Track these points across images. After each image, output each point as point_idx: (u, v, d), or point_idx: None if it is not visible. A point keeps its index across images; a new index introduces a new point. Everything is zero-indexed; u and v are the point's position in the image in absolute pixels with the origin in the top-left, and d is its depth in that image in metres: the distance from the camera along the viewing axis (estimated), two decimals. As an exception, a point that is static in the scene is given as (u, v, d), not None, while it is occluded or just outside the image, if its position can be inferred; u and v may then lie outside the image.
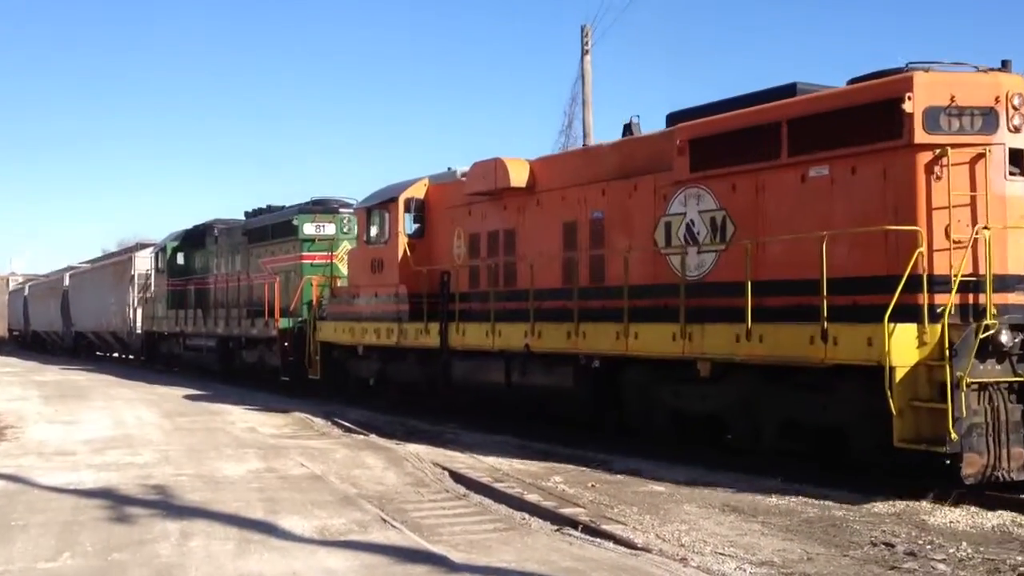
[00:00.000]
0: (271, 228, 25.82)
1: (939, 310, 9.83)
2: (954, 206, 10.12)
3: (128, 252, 40.64)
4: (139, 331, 36.78)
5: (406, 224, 18.56)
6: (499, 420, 16.21)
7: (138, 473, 11.76)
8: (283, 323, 23.29)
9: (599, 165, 14.50)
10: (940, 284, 9.99)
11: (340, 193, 27.24)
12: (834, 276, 10.41)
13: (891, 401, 9.49)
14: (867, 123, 10.54)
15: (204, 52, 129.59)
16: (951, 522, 9.06)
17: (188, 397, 22.47)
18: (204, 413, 18.92)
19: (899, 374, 9.59)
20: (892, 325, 9.55)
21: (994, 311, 9.89)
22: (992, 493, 9.80)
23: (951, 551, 7.98)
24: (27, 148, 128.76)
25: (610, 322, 13.38)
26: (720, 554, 7.93)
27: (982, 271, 10.06)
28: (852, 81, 11.31)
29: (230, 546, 8.10)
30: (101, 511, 9.48)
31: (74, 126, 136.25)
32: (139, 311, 36.81)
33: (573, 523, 8.94)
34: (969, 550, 8.01)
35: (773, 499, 10.20)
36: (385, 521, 9.00)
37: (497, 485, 10.94)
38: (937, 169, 10.19)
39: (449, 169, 19.15)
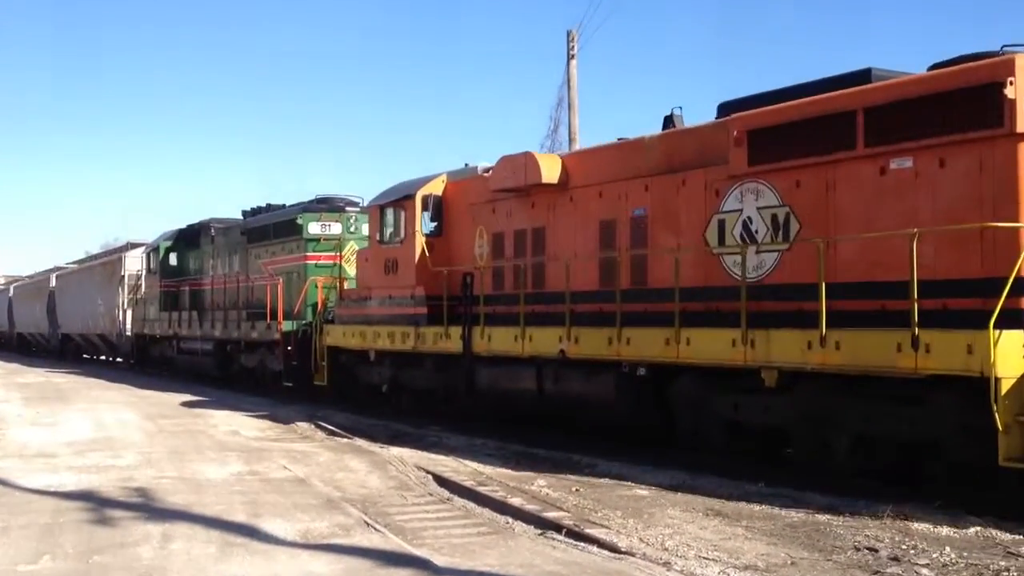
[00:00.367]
0: (273, 227, 24.75)
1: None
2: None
3: (118, 252, 39.40)
4: (129, 333, 35.63)
5: (423, 223, 17.56)
6: (528, 430, 15.23)
7: (120, 475, 11.69)
8: (287, 326, 22.22)
9: (641, 159, 13.54)
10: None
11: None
12: (921, 278, 9.48)
13: (996, 416, 8.58)
14: (960, 111, 9.61)
15: (194, 53, 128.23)
16: (935, 527, 8.89)
17: (176, 401, 21.98)
18: (187, 416, 18.74)
19: (1005, 386, 8.69)
20: (997, 332, 8.64)
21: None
22: (976, 497, 9.49)
23: (935, 556, 7.92)
24: (3, 149, 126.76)
25: (657, 327, 12.44)
26: (704, 558, 7.90)
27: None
28: (935, 67, 10.40)
29: (212, 549, 8.06)
30: (82, 513, 9.42)
31: (54, 127, 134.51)
32: (129, 313, 35.67)
33: (557, 527, 8.88)
34: (953, 555, 7.93)
35: (757, 503, 10.11)
36: (368, 524, 8.95)
37: (481, 489, 10.89)
38: (1043, 160, 9.28)
39: (467, 165, 18.20)
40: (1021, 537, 8.46)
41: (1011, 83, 9.15)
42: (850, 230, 10.68)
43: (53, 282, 46.02)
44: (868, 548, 8.21)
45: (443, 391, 17.07)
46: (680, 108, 13.84)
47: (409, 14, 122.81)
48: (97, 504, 9.86)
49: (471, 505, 10.29)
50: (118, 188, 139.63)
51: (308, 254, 23.11)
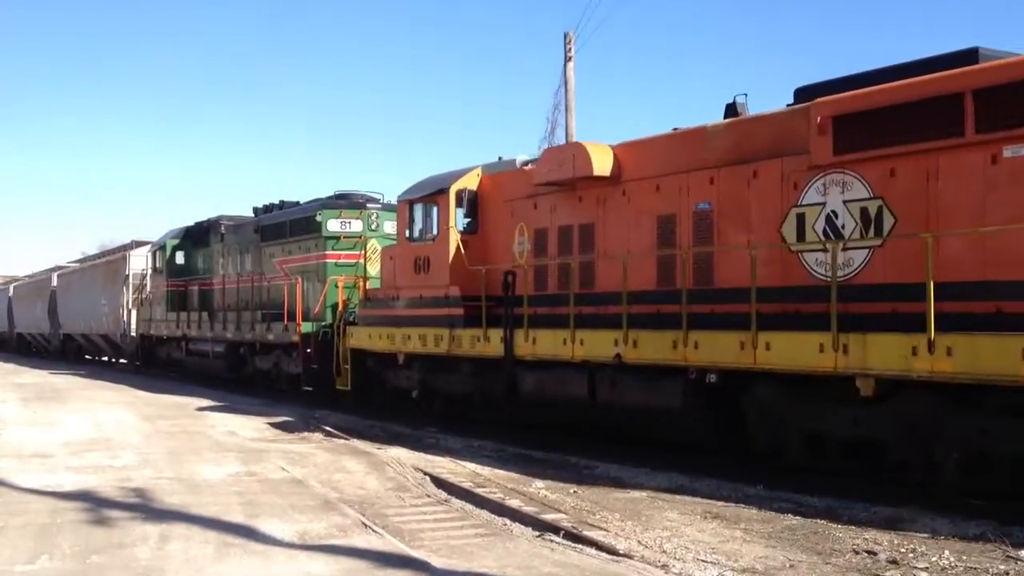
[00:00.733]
0: (289, 224, 23.70)
1: None
2: None
3: (122, 250, 38.35)
4: (133, 334, 34.58)
5: (457, 219, 16.57)
6: (581, 441, 14.24)
7: (117, 476, 11.63)
8: (306, 327, 21.19)
9: (705, 150, 12.57)
10: None
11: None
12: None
13: None
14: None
15: (185, 55, 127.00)
16: (934, 530, 8.82)
17: (175, 402, 21.76)
18: (185, 417, 18.61)
19: None
20: None
21: None
22: (975, 501, 9.34)
23: (933, 559, 7.90)
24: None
25: (726, 330, 11.48)
26: (702, 561, 7.88)
27: None
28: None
29: (209, 550, 8.04)
30: (80, 513, 9.39)
31: (47, 128, 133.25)
32: (134, 313, 34.62)
33: (555, 529, 8.85)
34: (952, 558, 7.90)
35: (755, 506, 10.08)
36: (366, 526, 8.96)
37: (478, 490, 10.84)
38: None
39: (501, 159, 17.23)
40: (1021, 540, 8.32)
41: None
42: (954, 224, 9.72)
43: (55, 281, 44.92)
44: (867, 551, 8.16)
45: (480, 397, 16.08)
46: (745, 95, 12.89)
47: (409, 14, 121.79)
48: (95, 504, 9.80)
49: (469, 506, 10.25)
50: (114, 189, 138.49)
51: (327, 252, 22.08)
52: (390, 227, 22.17)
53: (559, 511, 9.74)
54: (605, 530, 8.88)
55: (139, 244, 37.49)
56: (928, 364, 9.25)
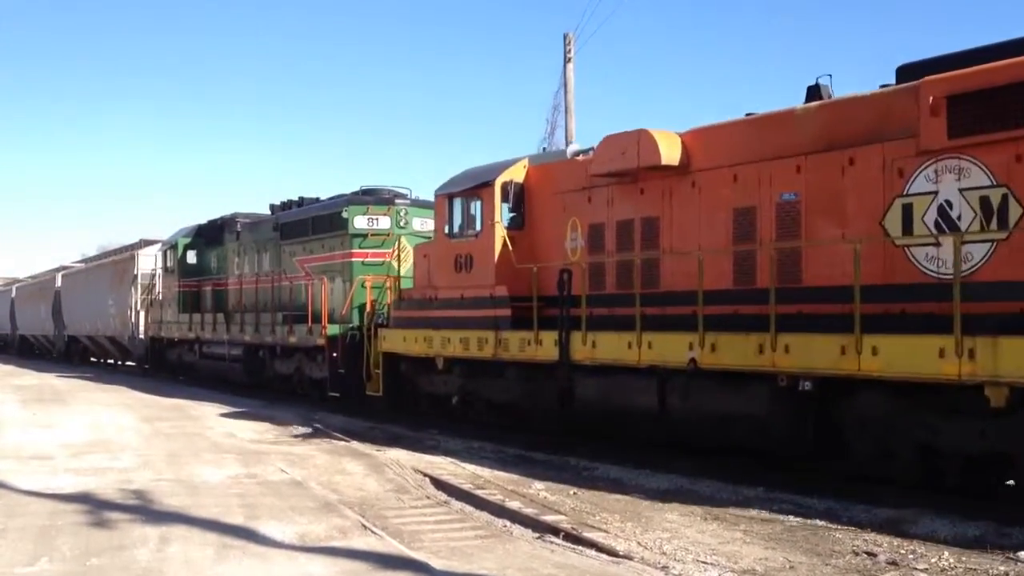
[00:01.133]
0: (312, 222, 22.57)
1: None
2: None
3: (130, 249, 37.23)
4: (142, 336, 33.48)
5: (502, 214, 15.48)
6: (646, 451, 13.16)
7: (117, 478, 11.57)
8: (332, 330, 20.08)
9: (790, 135, 11.51)
10: None
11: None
12: None
13: None
14: None
15: (183, 55, 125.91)
16: (933, 531, 8.77)
17: (175, 404, 21.56)
18: (185, 419, 18.53)
19: None
20: None
21: None
22: (974, 502, 9.25)
23: (933, 560, 7.87)
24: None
25: (819, 332, 10.41)
26: (702, 562, 7.86)
27: None
28: None
29: (209, 552, 8.01)
30: (79, 516, 9.35)
31: (46, 130, 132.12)
32: (142, 314, 33.52)
33: (554, 530, 8.84)
34: (951, 559, 7.87)
35: (755, 508, 10.07)
36: (366, 527, 8.94)
37: (478, 492, 10.81)
38: None
39: (545, 149, 16.26)
40: (1020, 542, 8.24)
41: None
42: (1097, 214, 8.65)
43: (59, 282, 43.77)
44: (867, 552, 8.15)
45: (528, 404, 15.00)
46: (829, 76, 11.83)
47: (408, 14, 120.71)
48: (94, 506, 9.78)
49: (469, 508, 10.25)
50: (113, 190, 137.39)
51: (354, 251, 20.96)
52: (419, 224, 21.12)
53: (559, 513, 9.72)
54: (605, 531, 8.86)
55: (148, 243, 36.38)
56: (1077, 371, 8.19)
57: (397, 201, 21.16)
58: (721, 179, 12.31)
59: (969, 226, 9.61)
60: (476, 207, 15.87)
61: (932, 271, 9.88)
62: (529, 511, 9.69)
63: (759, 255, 11.71)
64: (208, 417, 18.77)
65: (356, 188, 21.72)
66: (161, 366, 31.61)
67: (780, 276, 11.22)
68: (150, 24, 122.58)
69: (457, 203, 16.27)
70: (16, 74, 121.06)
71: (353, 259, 20.92)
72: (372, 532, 8.77)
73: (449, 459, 13.38)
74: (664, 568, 7.63)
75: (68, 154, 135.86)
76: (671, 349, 12.08)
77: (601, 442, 13.94)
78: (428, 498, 10.71)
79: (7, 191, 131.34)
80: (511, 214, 15.59)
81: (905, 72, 10.54)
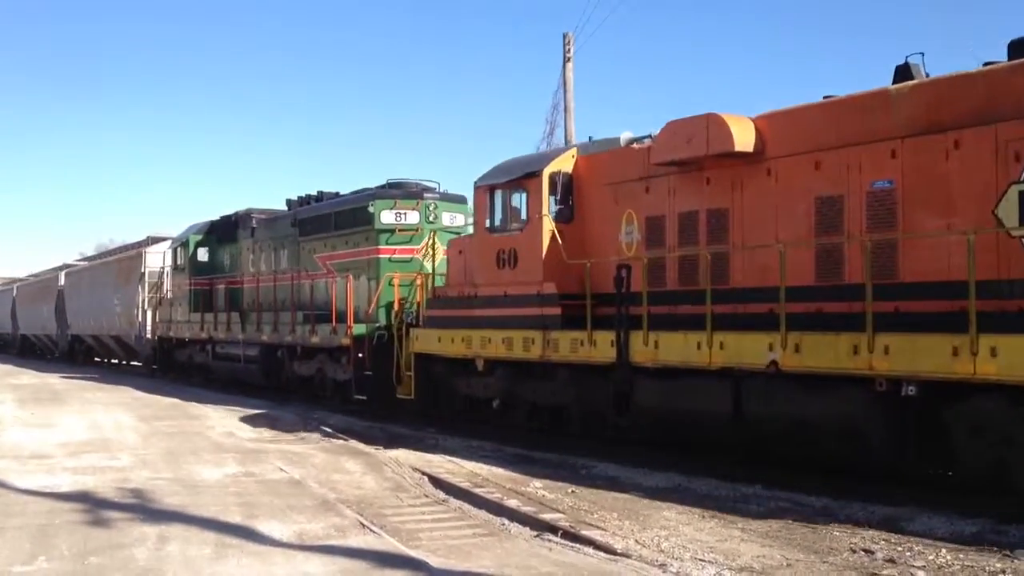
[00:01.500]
0: (335, 217, 21.59)
1: None
2: None
3: (137, 247, 36.26)
4: (149, 335, 32.48)
5: (550, 206, 14.54)
6: (715, 458, 12.23)
7: (115, 477, 11.58)
8: (358, 330, 19.11)
9: (881, 117, 10.59)
10: None
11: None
12: None
13: None
14: None
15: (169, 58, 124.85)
16: (931, 529, 8.78)
17: (174, 403, 21.39)
18: (184, 417, 18.47)
19: None
20: None
21: None
22: (971, 500, 9.22)
23: (930, 558, 7.85)
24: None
25: (921, 332, 9.48)
26: (699, 560, 7.84)
27: None
28: None
29: (208, 550, 8.00)
30: (78, 515, 9.35)
31: (42, 132, 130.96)
32: (150, 313, 32.55)
33: (553, 528, 8.84)
34: (948, 557, 7.85)
35: (753, 505, 10.10)
36: (364, 526, 8.92)
37: (477, 490, 10.80)
38: None
39: (591, 139, 15.26)
40: (1017, 539, 8.22)
41: None
42: None
43: (62, 280, 42.77)
44: (864, 550, 8.14)
45: (579, 408, 14.04)
46: (921, 55, 10.91)
47: (403, 15, 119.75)
48: (92, 505, 9.76)
49: (467, 507, 10.25)
50: (105, 190, 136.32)
51: (381, 247, 19.95)
52: (448, 219, 20.20)
53: (557, 511, 9.71)
54: (603, 529, 8.88)
55: (155, 240, 35.45)
56: None
57: (426, 195, 20.19)
58: (801, 166, 11.39)
59: (1103, 215, 8.69)
60: (521, 199, 14.92)
61: (1056, 265, 8.97)
62: (527, 509, 9.69)
63: (847, 248, 10.78)
64: (207, 416, 18.64)
65: (382, 182, 20.72)
66: (169, 367, 30.59)
67: (876, 271, 10.26)
68: (150, 24, 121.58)
69: (499, 195, 15.31)
70: (14, 71, 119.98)
71: (380, 256, 19.93)
72: (370, 530, 8.75)
73: (448, 458, 13.36)
74: (662, 566, 7.62)
75: (65, 154, 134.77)
76: (748, 350, 11.14)
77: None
78: (426, 496, 10.71)
79: (2, 191, 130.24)
80: (558, 207, 14.65)
81: (1018, 47, 9.60)
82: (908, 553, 8.01)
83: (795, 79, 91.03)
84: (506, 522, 9.41)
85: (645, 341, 12.45)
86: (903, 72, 10.93)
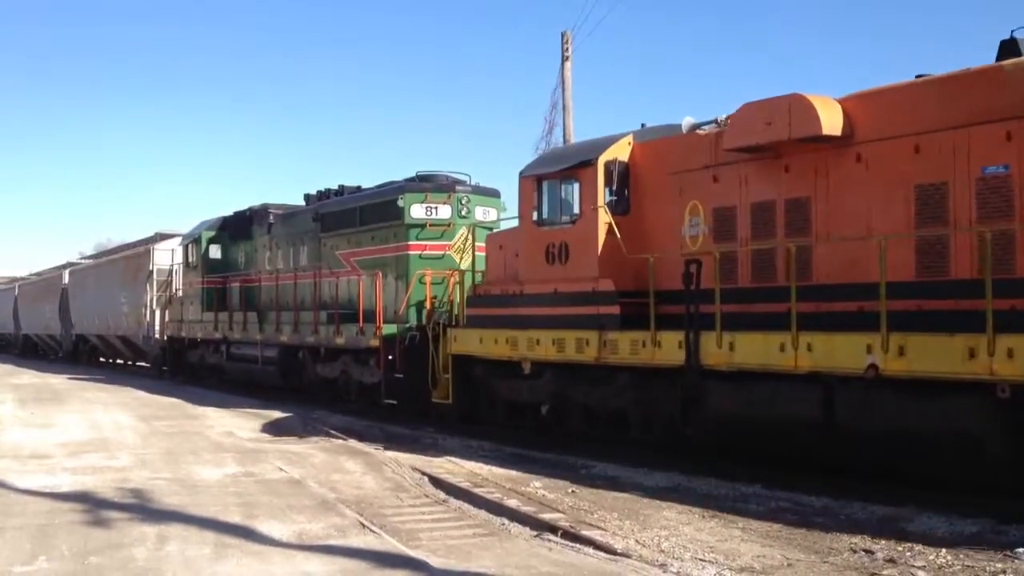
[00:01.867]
0: (360, 211, 20.55)
1: None
2: None
3: (145, 244, 35.26)
4: (158, 335, 31.49)
5: (605, 197, 13.56)
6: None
7: (115, 476, 11.56)
8: (388, 330, 18.12)
9: (993, 96, 9.62)
10: None
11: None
12: None
13: None
14: None
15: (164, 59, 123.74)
16: (931, 529, 8.78)
17: (174, 403, 21.39)
18: (183, 417, 18.45)
19: None
20: None
21: None
22: (971, 500, 9.17)
23: (931, 558, 7.83)
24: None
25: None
26: (700, 560, 7.83)
27: None
28: None
29: (207, 550, 8.00)
30: (77, 515, 9.33)
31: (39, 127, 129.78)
32: (158, 313, 31.57)
33: (553, 528, 8.83)
34: (949, 557, 7.83)
35: (753, 505, 10.12)
36: (364, 526, 8.92)
37: (476, 490, 10.78)
38: None
39: (644, 126, 14.26)
40: (1017, 539, 8.17)
41: None
42: None
43: (66, 279, 41.72)
44: (864, 550, 8.13)
45: (640, 415, 13.06)
46: (1024, 28, 9.93)
47: (401, 15, 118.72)
48: (92, 505, 9.76)
49: (467, 506, 10.23)
50: (103, 191, 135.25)
51: (410, 243, 18.92)
52: (481, 213, 19.20)
53: (557, 511, 9.70)
54: (603, 529, 8.88)
55: (164, 237, 34.53)
56: None
57: (458, 188, 19.16)
58: (897, 151, 10.42)
59: None
60: (572, 190, 13.94)
61: None
62: (527, 509, 9.69)
63: (953, 240, 9.81)
64: (206, 416, 18.56)
65: (411, 174, 19.71)
66: (180, 368, 29.57)
67: (996, 267, 9.25)
68: (149, 24, 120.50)
69: (548, 186, 14.31)
70: (13, 68, 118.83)
71: (409, 252, 18.91)
72: (370, 530, 8.76)
73: (447, 457, 13.34)
74: (662, 566, 7.63)
75: (63, 155, 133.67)
76: (841, 352, 10.18)
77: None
78: (426, 496, 10.73)
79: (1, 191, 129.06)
80: (612, 197, 13.67)
81: None
82: (908, 553, 8.02)
83: (795, 79, 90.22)
84: (506, 522, 9.41)
85: (719, 342, 11.48)
86: (1009, 47, 9.99)
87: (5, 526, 8.88)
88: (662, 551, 8.14)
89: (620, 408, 13.32)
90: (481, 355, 15.49)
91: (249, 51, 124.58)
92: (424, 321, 17.62)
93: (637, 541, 8.46)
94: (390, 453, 13.59)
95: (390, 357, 18.00)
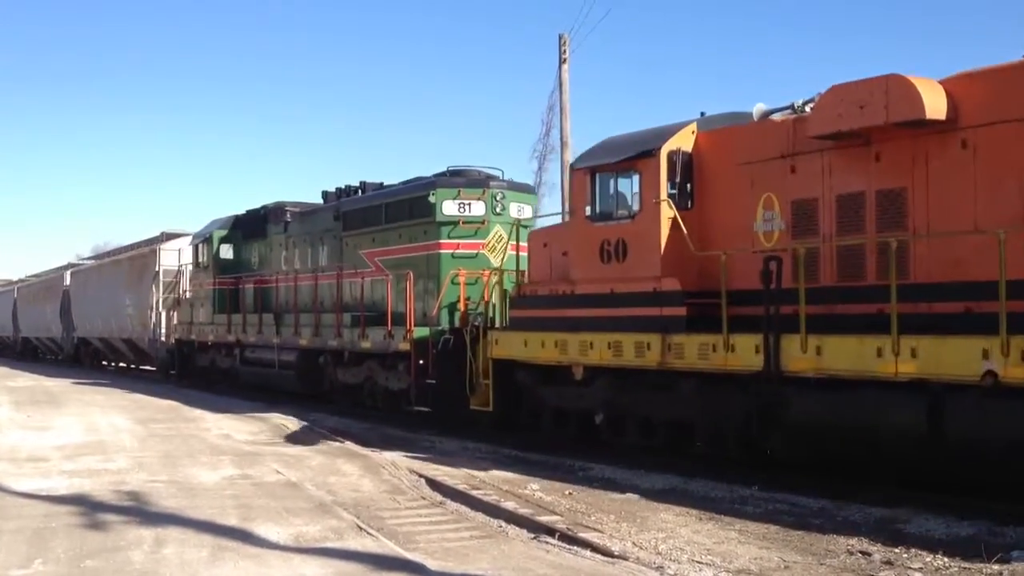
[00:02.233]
0: (386, 208, 19.53)
1: None
2: None
3: (150, 244, 34.25)
4: (165, 338, 30.47)
5: (667, 190, 12.61)
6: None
7: (112, 479, 11.54)
8: (419, 333, 17.15)
9: None
10: None
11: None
12: None
13: None
14: None
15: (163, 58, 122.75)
16: (928, 531, 8.76)
17: (173, 405, 21.28)
18: (180, 420, 18.40)
19: None
20: None
21: None
22: (968, 502, 9.19)
23: (928, 560, 7.84)
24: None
25: None
26: (697, 562, 7.86)
27: None
28: None
29: (204, 553, 7.98)
30: (74, 517, 9.32)
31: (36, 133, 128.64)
32: (164, 315, 30.57)
33: (550, 531, 8.87)
34: (946, 559, 7.84)
35: (750, 507, 10.13)
36: (361, 528, 8.94)
37: (474, 492, 10.80)
38: None
39: (703, 114, 13.31)
40: (1014, 541, 8.20)
41: None
42: None
43: (67, 280, 40.66)
44: (861, 552, 8.15)
45: (707, 424, 12.10)
46: None
47: (400, 15, 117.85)
48: (89, 508, 9.76)
49: (464, 509, 10.22)
50: (101, 193, 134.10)
51: (441, 241, 17.95)
52: (516, 210, 18.19)
53: (554, 513, 9.71)
54: (600, 532, 8.88)
55: (170, 237, 33.53)
56: None
57: (492, 183, 18.18)
58: (1010, 136, 9.49)
59: None
60: (631, 182, 13.00)
61: None
62: (524, 511, 9.69)
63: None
64: (203, 418, 18.46)
65: (442, 169, 18.71)
66: (188, 372, 28.53)
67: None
68: (149, 24, 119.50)
69: (603, 179, 13.36)
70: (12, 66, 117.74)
71: (440, 251, 17.93)
72: (367, 533, 8.76)
73: (444, 460, 13.34)
74: (659, 568, 7.63)
75: (61, 155, 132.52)
76: (951, 358, 9.23)
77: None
78: (423, 499, 10.72)
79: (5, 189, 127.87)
80: (673, 191, 12.72)
81: None
82: (905, 555, 8.03)
83: (795, 79, 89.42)
84: (503, 524, 9.41)
85: (803, 346, 10.52)
86: None
87: (2, 529, 8.85)
88: (659, 553, 8.16)
89: (683, 417, 12.36)
90: (526, 359, 14.51)
91: (249, 51, 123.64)
92: (459, 324, 16.66)
93: (634, 543, 8.48)
94: (387, 455, 13.54)
95: (421, 362, 17.03)
